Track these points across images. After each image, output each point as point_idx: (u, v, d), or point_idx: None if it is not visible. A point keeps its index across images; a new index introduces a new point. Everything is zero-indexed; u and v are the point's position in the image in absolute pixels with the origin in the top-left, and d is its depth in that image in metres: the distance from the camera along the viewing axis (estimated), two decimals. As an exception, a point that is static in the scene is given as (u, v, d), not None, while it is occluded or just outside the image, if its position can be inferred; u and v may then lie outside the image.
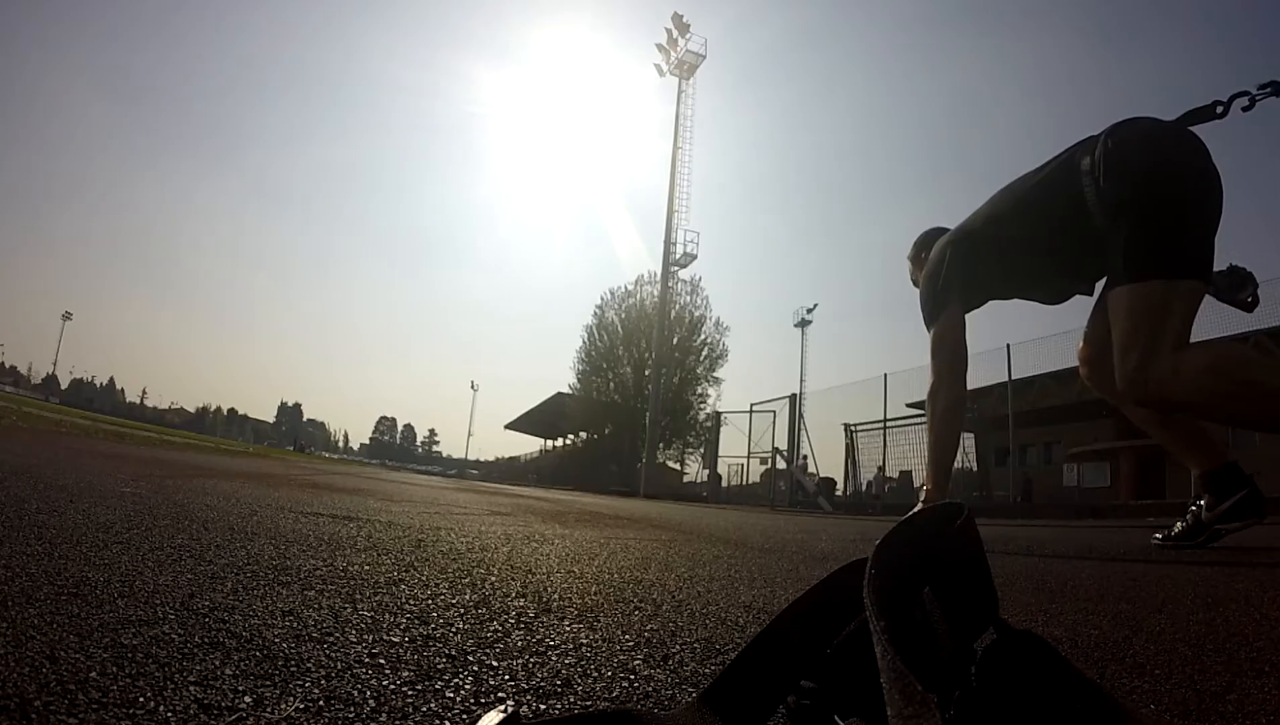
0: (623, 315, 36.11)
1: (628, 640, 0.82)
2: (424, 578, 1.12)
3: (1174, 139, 2.01)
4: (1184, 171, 1.96)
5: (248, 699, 0.52)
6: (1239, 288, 2.10)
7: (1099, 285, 2.39)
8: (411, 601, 0.92)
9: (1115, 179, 1.98)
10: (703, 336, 34.48)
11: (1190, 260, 1.94)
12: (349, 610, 0.84)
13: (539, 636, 0.81)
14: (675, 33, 29.84)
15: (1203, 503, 2.24)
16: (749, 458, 18.13)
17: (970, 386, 2.68)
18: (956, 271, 2.51)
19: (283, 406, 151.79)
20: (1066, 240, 2.18)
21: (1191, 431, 2.26)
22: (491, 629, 0.82)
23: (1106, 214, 2.01)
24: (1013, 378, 12.51)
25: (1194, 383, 1.85)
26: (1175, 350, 1.89)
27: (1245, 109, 2.05)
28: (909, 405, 13.94)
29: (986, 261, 2.46)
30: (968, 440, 14.73)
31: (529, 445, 56.52)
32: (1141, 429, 2.36)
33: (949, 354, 2.55)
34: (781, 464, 16.54)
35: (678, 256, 28.17)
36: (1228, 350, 1.89)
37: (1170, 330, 1.90)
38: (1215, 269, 2.03)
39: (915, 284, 2.80)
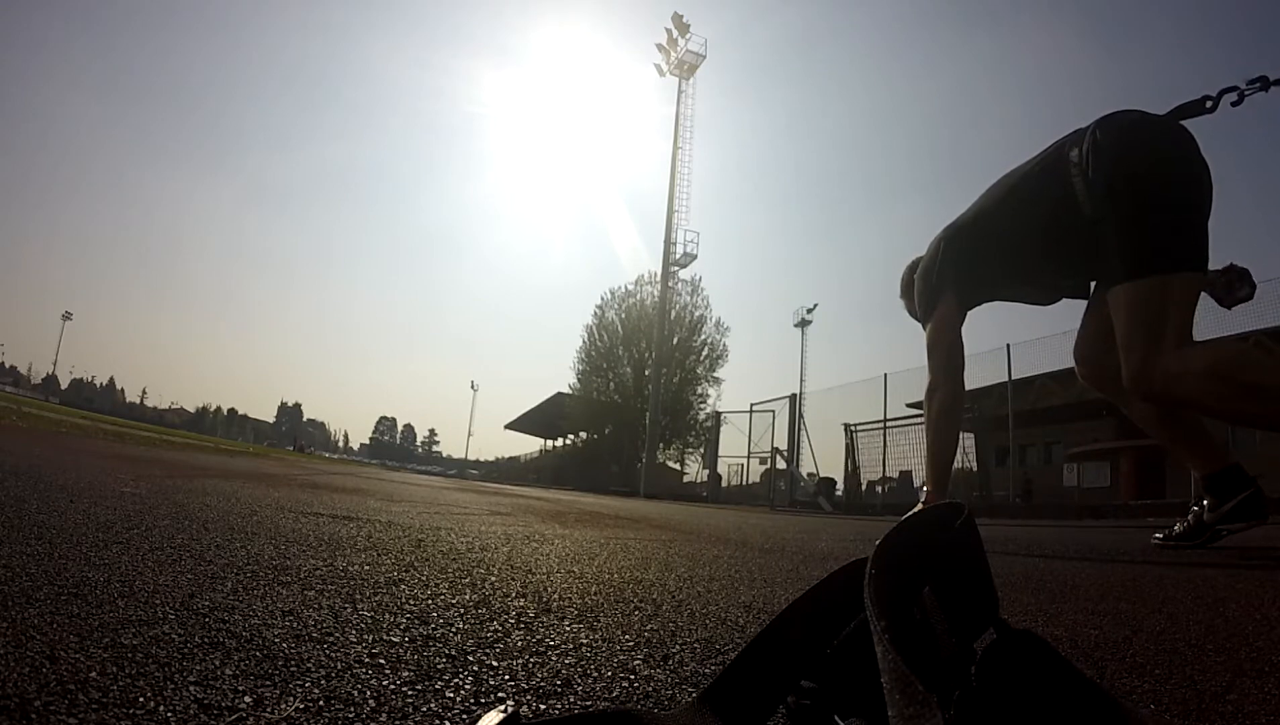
0: (623, 315, 36.08)
1: (628, 640, 0.82)
2: (424, 578, 1.12)
3: (1162, 130, 2.01)
4: (1173, 161, 1.97)
5: (248, 699, 0.52)
6: (1236, 286, 2.11)
7: (1092, 287, 2.39)
8: (411, 601, 0.92)
9: (1104, 170, 1.98)
10: (703, 336, 34.44)
11: (1186, 252, 1.94)
12: (349, 610, 0.84)
13: (539, 636, 0.81)
14: (675, 33, 29.85)
15: (1205, 504, 2.23)
16: (749, 458, 18.14)
17: (970, 386, 2.68)
18: (950, 264, 2.51)
19: (283, 406, 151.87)
20: (1057, 232, 2.18)
21: (1195, 432, 2.25)
22: (491, 629, 0.82)
23: (1096, 205, 2.01)
24: (1013, 378, 12.50)
25: (1196, 381, 1.85)
26: (1178, 346, 1.89)
27: (1234, 104, 2.06)
28: (909, 405, 13.94)
29: (980, 254, 2.45)
30: (968, 440, 14.70)
31: (529, 445, 56.57)
32: (1143, 428, 2.36)
33: (945, 352, 2.55)
34: (781, 464, 16.54)
35: (678, 256, 28.18)
36: (1230, 349, 1.89)
37: (1171, 325, 1.90)
38: (1211, 267, 2.03)
39: (914, 317, 2.79)
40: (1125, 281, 1.97)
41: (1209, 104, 2.05)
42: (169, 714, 0.48)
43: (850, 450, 15.20)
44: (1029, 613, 1.10)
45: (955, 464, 2.91)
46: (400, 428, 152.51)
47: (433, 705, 0.55)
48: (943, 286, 2.53)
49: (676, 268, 28.86)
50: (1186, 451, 2.28)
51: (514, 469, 53.77)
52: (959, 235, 2.51)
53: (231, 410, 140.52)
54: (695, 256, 28.55)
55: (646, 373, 30.98)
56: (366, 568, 1.16)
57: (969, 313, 2.63)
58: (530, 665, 0.69)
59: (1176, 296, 1.91)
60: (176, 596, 0.81)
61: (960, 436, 3.06)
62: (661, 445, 31.09)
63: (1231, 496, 2.16)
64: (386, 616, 0.83)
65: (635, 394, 33.69)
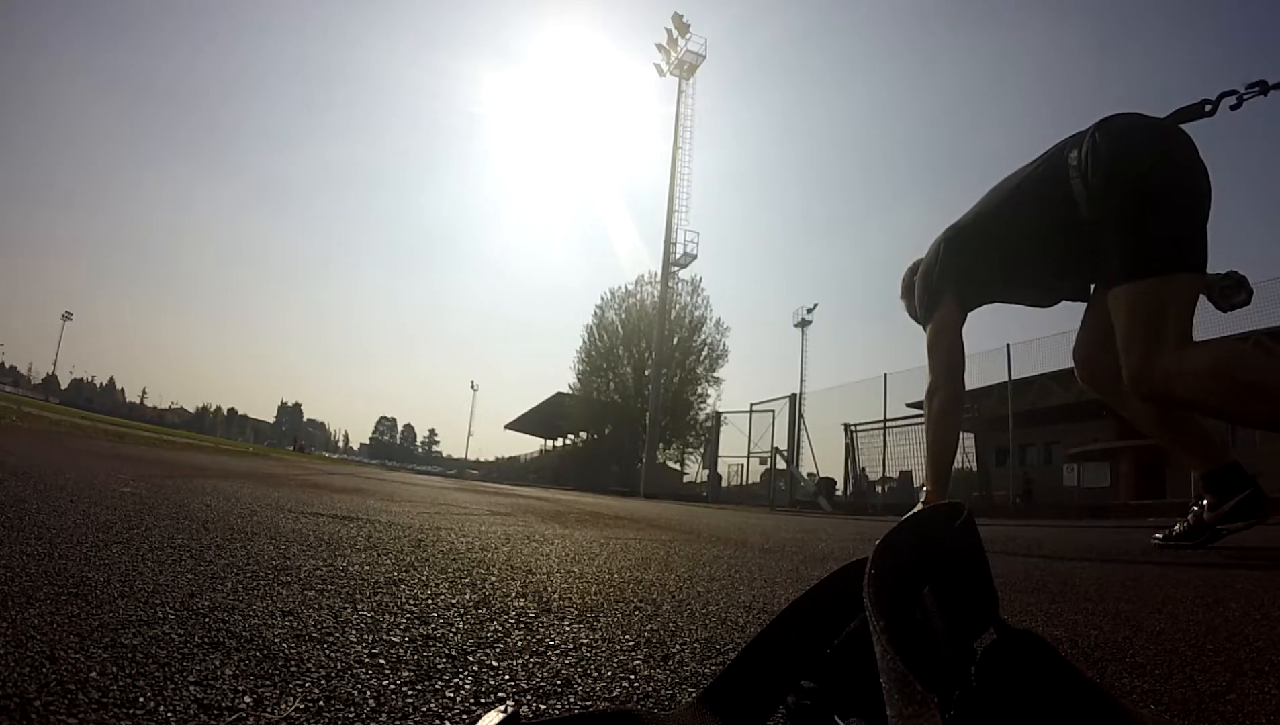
0: (623, 315, 36.08)
1: (628, 640, 0.82)
2: (424, 578, 1.12)
3: (1161, 133, 2.02)
4: (1171, 164, 1.98)
5: (248, 699, 0.52)
6: (1234, 292, 2.12)
7: (1091, 289, 2.40)
8: (411, 601, 0.92)
9: (1102, 173, 1.99)
10: (703, 337, 34.46)
11: (1185, 253, 1.95)
12: (349, 610, 0.84)
13: (539, 636, 0.81)
14: (675, 33, 29.84)
15: (1205, 503, 2.23)
16: (749, 458, 18.13)
17: (970, 386, 2.69)
18: (950, 264, 2.52)
19: (283, 406, 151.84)
20: (1056, 234, 2.19)
21: (1193, 431, 2.26)
22: (491, 629, 0.82)
23: (1094, 208, 2.02)
24: (1013, 378, 12.49)
25: (1197, 381, 1.86)
26: (1178, 346, 1.90)
27: (1233, 108, 2.07)
28: (909, 405, 13.94)
29: (980, 255, 2.47)
30: (968, 440, 14.70)
31: (529, 445, 56.53)
32: (1141, 429, 2.36)
33: (945, 353, 2.55)
34: (781, 464, 16.53)
35: (678, 256, 28.17)
36: (1230, 350, 1.89)
37: (1171, 326, 1.91)
38: (1211, 271, 2.03)
39: (914, 318, 2.81)
40: (1125, 282, 1.98)
41: (1208, 108, 2.06)
42: (169, 714, 0.48)
43: (850, 450, 15.20)
44: (1029, 613, 1.10)
45: (955, 464, 2.92)
46: (400, 428, 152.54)
47: (433, 705, 0.55)
48: (943, 287, 2.54)
49: (676, 268, 28.85)
50: (1185, 451, 2.28)
51: (514, 469, 53.74)
52: (959, 236, 2.52)
53: (231, 410, 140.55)
54: (695, 256, 28.56)
55: (646, 373, 30.98)
56: (366, 568, 1.16)
57: (969, 313, 2.63)
58: (530, 665, 0.69)
59: (1176, 297, 1.92)
60: (176, 596, 0.81)
61: (960, 436, 3.06)
62: (661, 445, 31.09)
63: (1231, 495, 2.17)
64: (386, 616, 0.83)
65: (635, 394, 33.69)
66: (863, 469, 15.25)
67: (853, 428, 15.24)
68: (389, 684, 0.59)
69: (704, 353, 34.42)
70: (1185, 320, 1.92)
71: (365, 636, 0.73)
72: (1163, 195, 1.95)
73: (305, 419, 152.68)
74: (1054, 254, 2.27)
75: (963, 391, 2.62)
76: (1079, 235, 2.10)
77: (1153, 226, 1.95)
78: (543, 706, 0.58)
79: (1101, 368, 2.34)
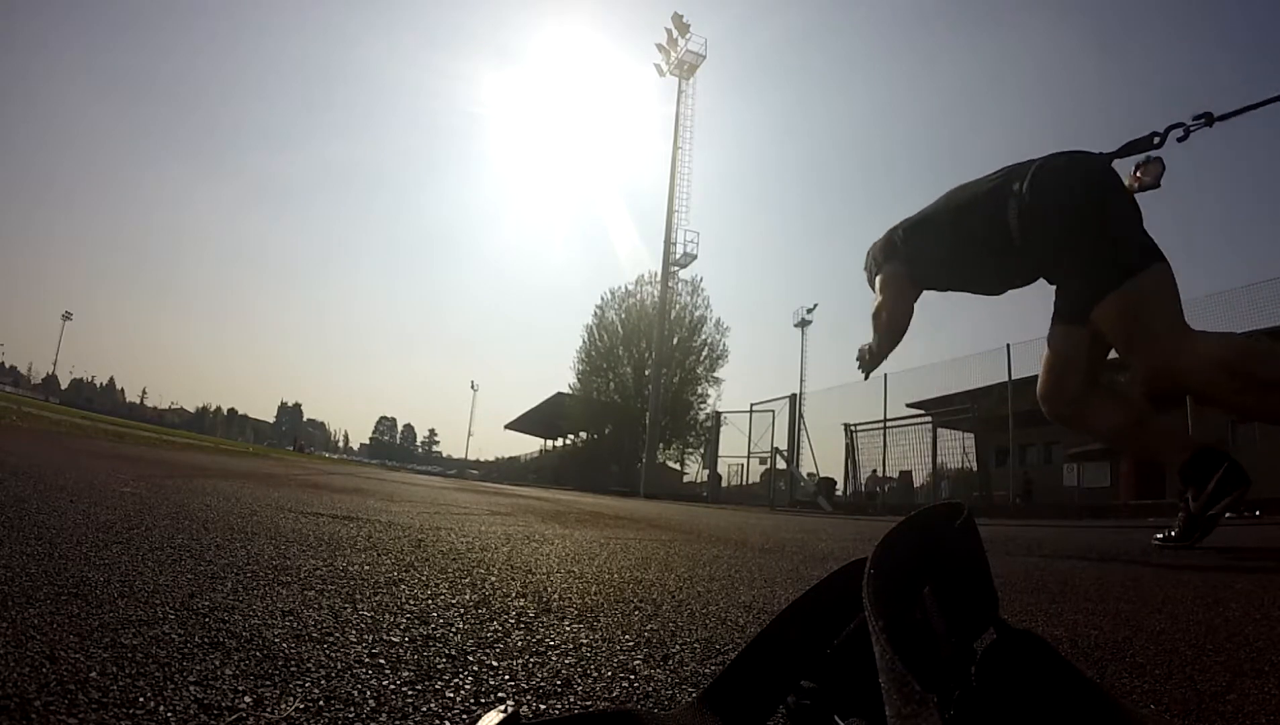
0: (623, 315, 36.08)
1: (628, 640, 0.82)
2: (424, 578, 1.12)
3: (1091, 167, 2.19)
4: (1102, 187, 2.14)
5: (248, 699, 0.52)
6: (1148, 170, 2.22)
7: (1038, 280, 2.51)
8: (411, 601, 0.92)
9: (1040, 208, 2.17)
10: (703, 337, 34.47)
11: (1146, 249, 2.09)
12: (349, 610, 0.84)
13: (539, 636, 0.81)
14: (675, 33, 29.82)
15: (1188, 497, 2.24)
16: (749, 458, 18.12)
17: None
18: (899, 241, 2.66)
19: (283, 406, 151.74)
20: (992, 249, 2.35)
21: (1159, 432, 2.31)
22: (491, 629, 0.82)
23: (1024, 236, 2.20)
24: (1013, 378, 12.48)
25: (1206, 375, 1.91)
26: (1181, 336, 1.99)
27: (1180, 139, 2.21)
28: (909, 405, 13.96)
29: (930, 242, 2.59)
30: (968, 440, 14.70)
31: (529, 445, 56.51)
32: (1111, 446, 2.41)
33: (886, 323, 2.68)
34: (781, 464, 16.53)
35: (678, 256, 28.16)
36: (1240, 343, 1.95)
37: (1166, 316, 2.02)
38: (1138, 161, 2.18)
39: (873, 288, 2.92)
40: (1109, 292, 2.08)
41: (1156, 140, 2.20)
42: (169, 714, 0.48)
43: (850, 450, 15.19)
44: (1029, 613, 1.10)
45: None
46: (400, 428, 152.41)
47: (433, 705, 0.55)
48: (891, 254, 2.68)
49: (676, 268, 28.83)
50: (1156, 452, 2.34)
51: (514, 469, 53.70)
52: (913, 231, 2.64)
53: (231, 410, 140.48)
54: (695, 256, 28.53)
55: (646, 373, 30.98)
56: (366, 568, 1.16)
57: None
58: (530, 665, 0.69)
59: (1158, 289, 2.06)
60: (176, 596, 0.81)
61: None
62: (661, 445, 31.08)
63: (1210, 476, 2.17)
64: (386, 616, 0.83)
65: (635, 394, 33.69)
66: (873, 471, 15.24)
67: (853, 428, 15.24)
68: (389, 684, 0.59)
69: (704, 353, 34.44)
70: (1176, 309, 2.04)
71: (365, 636, 0.73)
72: (1104, 213, 2.12)
73: (305, 419, 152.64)
74: (991, 262, 2.44)
75: (908, 315, 2.73)
76: (1012, 254, 2.28)
77: (1110, 241, 2.10)
78: (543, 706, 0.58)
79: (1061, 399, 2.39)
